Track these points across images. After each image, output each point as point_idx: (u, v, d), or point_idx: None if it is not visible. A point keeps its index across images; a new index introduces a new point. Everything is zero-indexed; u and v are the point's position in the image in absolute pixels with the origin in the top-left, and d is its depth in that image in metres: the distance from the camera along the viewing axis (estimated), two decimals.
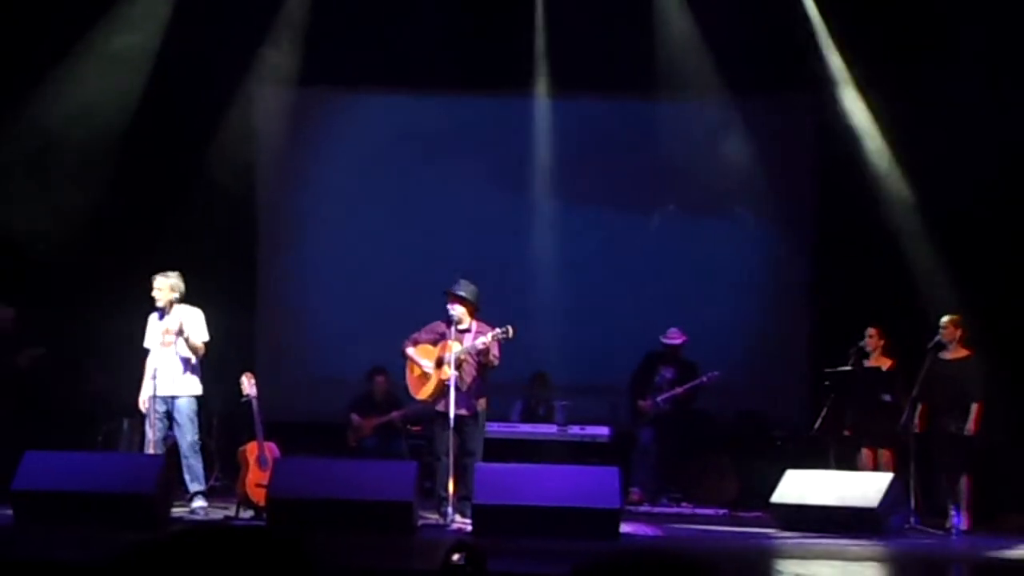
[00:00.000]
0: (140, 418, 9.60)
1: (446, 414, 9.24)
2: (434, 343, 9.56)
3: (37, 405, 10.87)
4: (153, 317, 9.52)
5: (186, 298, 9.51)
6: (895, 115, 11.53)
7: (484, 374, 9.51)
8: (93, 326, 11.14)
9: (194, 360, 9.44)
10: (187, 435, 9.37)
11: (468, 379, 9.41)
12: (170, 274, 9.46)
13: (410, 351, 9.60)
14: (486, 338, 9.26)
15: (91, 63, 11.67)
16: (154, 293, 9.40)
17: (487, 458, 9.53)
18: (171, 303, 9.42)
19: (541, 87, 12.29)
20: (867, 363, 10.27)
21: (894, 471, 9.86)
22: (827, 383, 10.25)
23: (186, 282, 9.51)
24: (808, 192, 12.47)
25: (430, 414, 9.64)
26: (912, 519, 9.50)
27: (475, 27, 11.85)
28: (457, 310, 9.45)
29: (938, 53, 10.87)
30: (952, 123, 10.77)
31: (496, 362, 9.38)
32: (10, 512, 8.70)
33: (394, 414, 11.28)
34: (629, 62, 11.77)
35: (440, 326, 9.57)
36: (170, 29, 11.68)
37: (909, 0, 11.47)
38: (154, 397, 9.28)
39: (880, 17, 11.36)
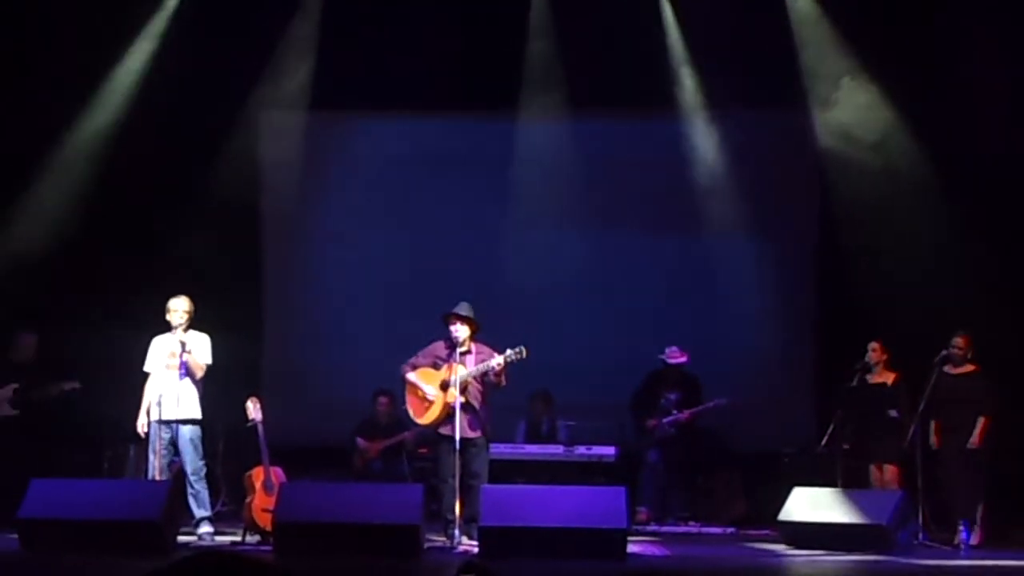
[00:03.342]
0: (145, 443, 9.59)
1: (452, 437, 9.23)
2: (434, 366, 9.53)
3: (42, 431, 10.88)
4: (157, 340, 9.54)
5: (192, 323, 9.54)
6: (903, 119, 11.55)
7: (489, 396, 9.50)
8: (96, 352, 11.16)
9: (196, 385, 9.44)
10: (191, 461, 9.37)
11: (475, 401, 9.40)
12: (184, 298, 9.49)
13: (410, 376, 9.57)
14: (499, 359, 9.23)
15: (101, 88, 11.74)
16: (169, 316, 9.43)
17: (493, 479, 9.52)
18: (187, 325, 9.45)
19: (540, 107, 12.30)
20: (870, 378, 10.25)
21: (900, 487, 9.84)
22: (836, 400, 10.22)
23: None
24: (812, 210, 12.46)
25: (436, 436, 9.61)
26: (920, 535, 9.47)
27: (476, 50, 11.88)
28: (462, 331, 9.43)
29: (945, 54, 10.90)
30: (961, 133, 10.80)
31: (504, 383, 9.37)
32: (16, 540, 8.69)
33: (406, 434, 11.25)
34: (630, 82, 11.79)
35: (438, 349, 9.55)
36: (176, 53, 11.73)
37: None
38: (159, 422, 9.29)
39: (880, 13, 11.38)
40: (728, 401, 11.17)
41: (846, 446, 10.23)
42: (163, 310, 9.57)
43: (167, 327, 9.52)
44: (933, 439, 9.85)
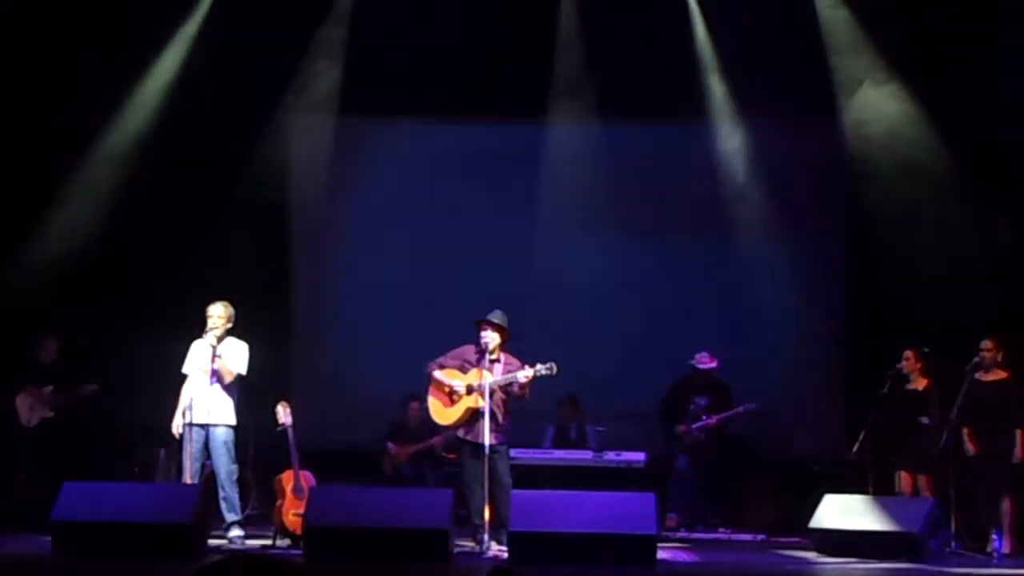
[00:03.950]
0: (177, 447, 9.64)
1: (474, 443, 9.24)
2: (461, 369, 9.54)
3: (74, 435, 10.99)
4: (197, 344, 9.58)
5: (232, 329, 9.60)
6: (932, 122, 11.50)
7: (511, 406, 9.49)
8: (127, 355, 11.24)
9: (231, 390, 9.47)
10: (223, 465, 9.40)
11: (500, 409, 9.40)
12: (220, 303, 9.53)
13: (437, 374, 9.59)
14: (529, 372, 9.22)
15: (132, 93, 11.82)
16: (210, 321, 9.45)
17: (522, 485, 9.52)
18: (225, 332, 9.48)
19: (570, 112, 12.30)
20: (909, 387, 10.18)
21: (933, 495, 9.77)
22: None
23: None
24: (841, 215, 12.41)
25: (458, 442, 9.63)
26: (953, 543, 9.40)
27: (505, 56, 11.88)
28: (492, 338, 9.44)
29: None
30: (991, 135, 10.74)
31: (528, 396, 9.37)
32: (49, 542, 8.75)
33: (435, 440, 11.26)
34: (658, 87, 11.77)
35: (467, 352, 9.56)
36: (206, 58, 11.80)
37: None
38: (191, 425, 9.33)
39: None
40: (758, 406, 11.13)
41: (878, 453, 10.16)
42: (195, 315, 9.63)
43: (204, 331, 9.55)
44: (968, 446, 9.77)
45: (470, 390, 9.40)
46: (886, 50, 11.60)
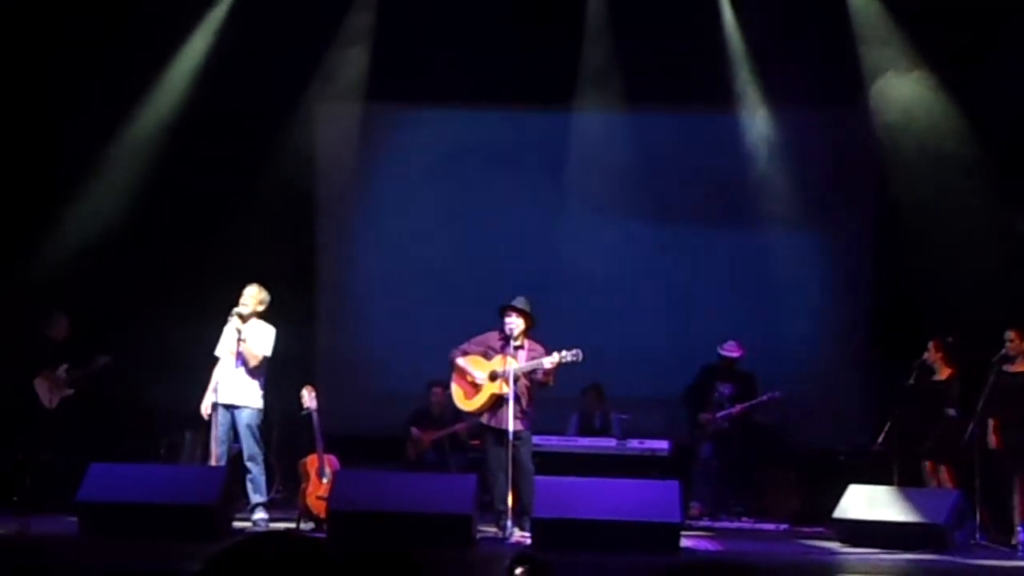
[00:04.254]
0: (204, 429, 9.68)
1: (497, 429, 9.24)
2: (484, 355, 9.54)
3: (99, 415, 11.06)
4: (229, 326, 9.61)
5: (264, 313, 9.63)
6: (960, 112, 11.42)
7: (535, 393, 9.50)
8: (154, 337, 11.29)
9: (257, 373, 9.51)
10: (248, 446, 9.44)
11: (524, 395, 9.40)
12: (254, 286, 9.56)
13: (460, 361, 9.59)
14: (554, 358, 9.22)
15: (160, 80, 11.87)
16: (241, 302, 9.49)
17: (546, 472, 9.52)
18: (254, 314, 9.52)
19: (596, 100, 12.27)
20: (934, 378, 10.14)
21: (955, 486, 9.73)
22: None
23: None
24: (868, 204, 12.36)
25: (481, 428, 9.64)
26: (977, 535, 9.36)
27: (532, 44, 11.85)
28: (516, 324, 9.43)
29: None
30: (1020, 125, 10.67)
31: (552, 383, 9.37)
32: (75, 522, 8.81)
33: (459, 426, 11.28)
34: (685, 75, 11.72)
35: (491, 339, 9.56)
36: (233, 45, 11.81)
37: None
38: (216, 405, 9.37)
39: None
40: (782, 395, 11.08)
41: (903, 444, 10.12)
42: (222, 299, 9.68)
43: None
44: (991, 437, 9.72)
45: (494, 376, 9.40)
46: (914, 38, 11.52)
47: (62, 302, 11.23)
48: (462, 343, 9.66)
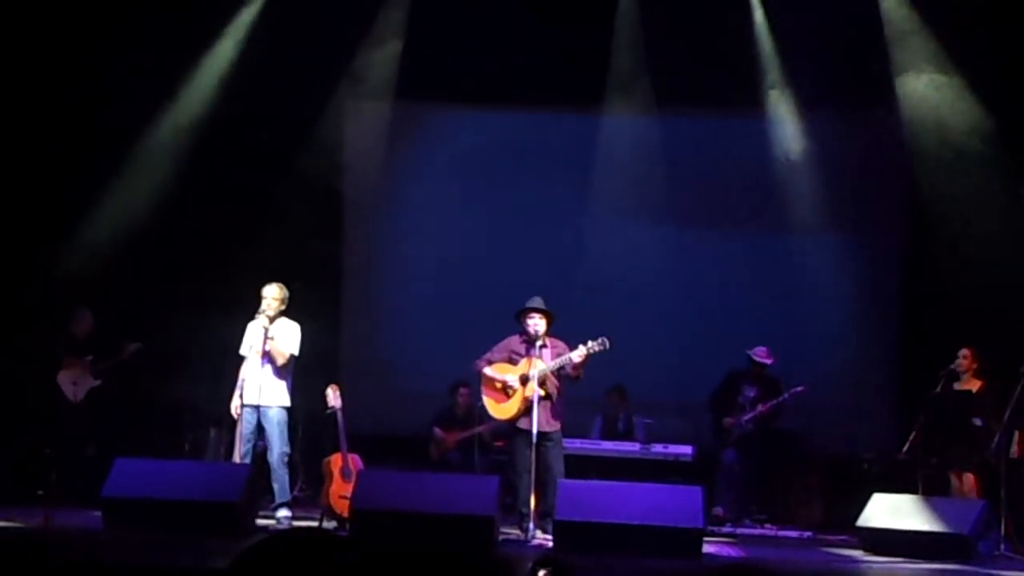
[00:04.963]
0: (228, 427, 9.71)
1: (528, 431, 9.22)
2: (509, 361, 9.52)
3: (124, 411, 11.09)
4: (252, 325, 9.63)
5: (284, 311, 9.64)
6: (991, 116, 11.35)
7: (564, 390, 9.48)
8: (179, 334, 11.33)
9: (284, 371, 9.52)
10: (276, 446, 9.45)
11: (554, 396, 9.39)
12: (276, 285, 9.59)
13: (487, 370, 9.56)
14: (581, 351, 9.21)
15: (190, 77, 11.91)
16: (264, 302, 9.51)
17: (569, 474, 9.51)
18: (278, 313, 9.55)
19: (624, 103, 12.27)
20: (958, 386, 10.08)
21: (981, 496, 9.66)
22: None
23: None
24: (897, 209, 12.29)
25: (512, 430, 9.62)
26: (1003, 545, 9.28)
27: (562, 45, 11.85)
28: (540, 324, 9.42)
29: None
30: None
31: (581, 376, 9.35)
32: (100, 517, 8.86)
33: (483, 427, 11.27)
34: (714, 79, 11.69)
35: (513, 343, 9.54)
36: (264, 42, 11.86)
37: None
38: (243, 406, 9.39)
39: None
40: (805, 388, 10.97)
41: (928, 454, 10.06)
42: (247, 297, 9.68)
43: (258, 313, 9.60)
44: (1015, 448, 9.65)
45: (524, 380, 9.38)
46: (945, 41, 11.45)
47: (88, 299, 11.28)
48: (487, 345, 9.65)
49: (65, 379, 10.93)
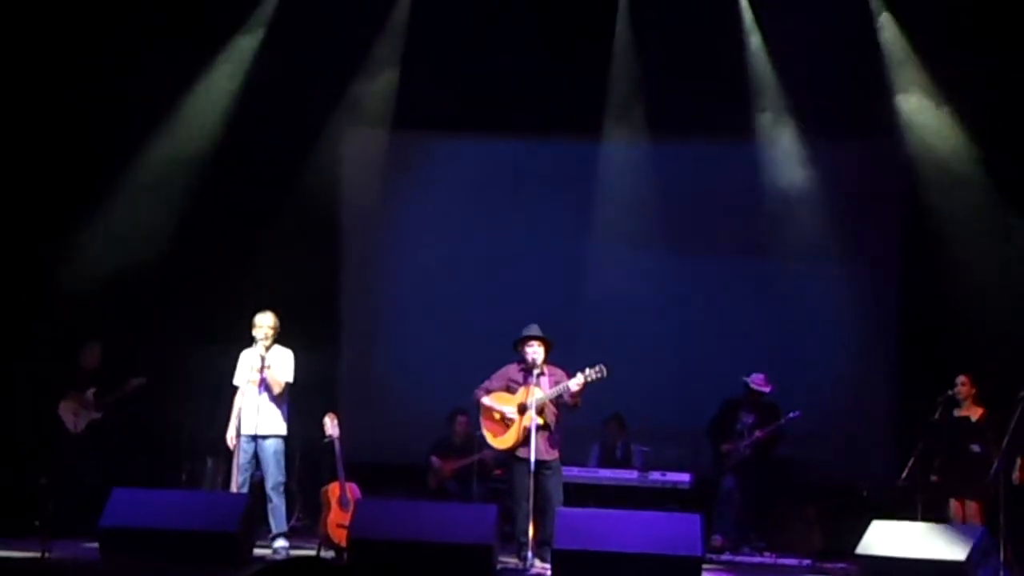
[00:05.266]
0: (224, 457, 9.69)
1: (527, 459, 9.21)
2: (507, 390, 9.52)
3: (122, 441, 11.08)
4: (245, 354, 9.64)
5: (277, 339, 9.63)
6: (987, 144, 11.38)
7: (563, 418, 9.47)
8: (176, 365, 11.33)
9: (281, 400, 9.51)
10: (272, 475, 9.44)
11: (552, 424, 9.38)
12: (270, 313, 9.59)
13: (486, 400, 9.56)
14: (579, 379, 9.21)
15: (186, 107, 11.95)
16: (255, 331, 9.51)
17: (566, 502, 9.48)
18: (272, 341, 9.54)
19: (621, 130, 12.31)
20: (957, 412, 10.06)
21: (983, 523, 9.63)
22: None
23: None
24: (894, 235, 12.31)
25: (511, 458, 9.59)
26: (1002, 572, 9.25)
27: (559, 74, 11.90)
28: (539, 352, 9.43)
29: None
30: None
31: (579, 404, 9.34)
32: (97, 548, 8.82)
33: (486, 453, 11.23)
34: (710, 105, 11.73)
35: (511, 372, 9.55)
36: (260, 71, 11.90)
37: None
38: (239, 435, 9.37)
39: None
40: (802, 413, 10.94)
41: (931, 478, 10.04)
42: (244, 326, 9.68)
43: (252, 342, 9.61)
44: (1016, 475, 9.63)
45: (523, 409, 9.37)
46: (942, 71, 11.50)
47: (88, 329, 11.28)
48: (485, 374, 9.65)
49: (66, 410, 10.95)
